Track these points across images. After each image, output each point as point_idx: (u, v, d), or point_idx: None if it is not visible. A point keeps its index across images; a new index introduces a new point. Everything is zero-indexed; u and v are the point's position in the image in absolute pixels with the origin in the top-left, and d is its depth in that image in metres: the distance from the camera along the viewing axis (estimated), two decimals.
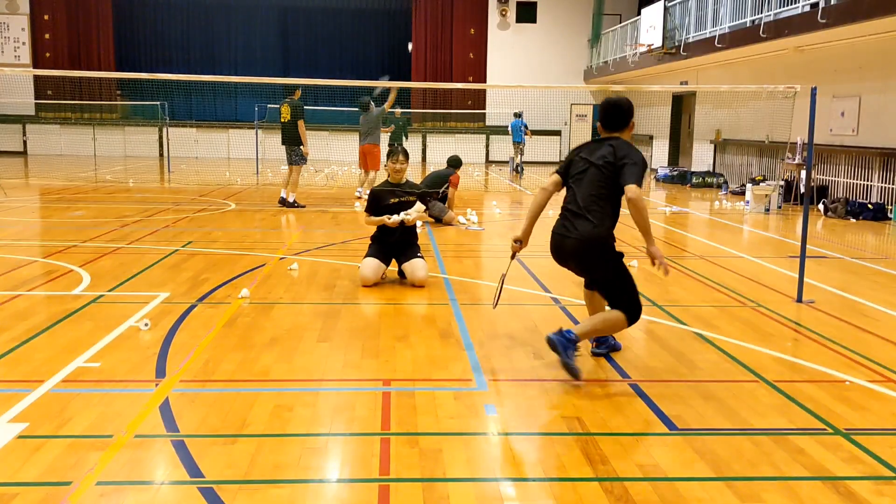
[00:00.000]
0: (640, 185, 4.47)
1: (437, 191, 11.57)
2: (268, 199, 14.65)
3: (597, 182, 4.64)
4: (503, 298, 5.55)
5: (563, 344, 4.48)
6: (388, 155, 7.47)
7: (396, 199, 7.26)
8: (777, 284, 7.55)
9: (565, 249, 4.75)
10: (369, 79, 25.63)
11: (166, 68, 27.36)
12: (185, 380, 4.52)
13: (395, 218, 7.11)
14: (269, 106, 23.71)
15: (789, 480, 3.39)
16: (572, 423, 3.97)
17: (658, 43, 20.06)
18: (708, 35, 17.69)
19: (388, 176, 7.48)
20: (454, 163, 12.33)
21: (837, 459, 3.60)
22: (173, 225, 10.82)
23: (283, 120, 13.10)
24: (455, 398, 4.28)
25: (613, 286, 4.77)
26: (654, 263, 4.54)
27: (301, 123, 12.88)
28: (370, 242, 7.35)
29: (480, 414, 4.07)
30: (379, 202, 7.25)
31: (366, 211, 7.31)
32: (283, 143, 13.21)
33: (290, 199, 13.02)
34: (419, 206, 7.32)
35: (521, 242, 5.02)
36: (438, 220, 11.32)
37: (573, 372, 4.48)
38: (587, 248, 4.67)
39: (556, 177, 4.90)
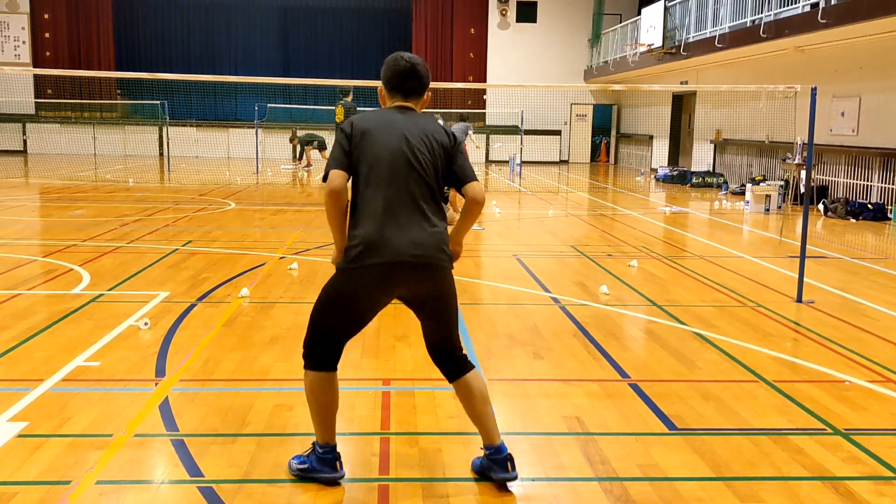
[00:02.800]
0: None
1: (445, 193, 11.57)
2: (268, 198, 14.65)
3: None
4: (503, 298, 5.55)
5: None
6: None
7: None
8: (777, 284, 7.55)
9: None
10: (370, 78, 25.69)
11: (166, 67, 27.34)
12: (185, 379, 4.52)
13: None
14: (269, 105, 23.70)
15: (789, 480, 3.39)
16: (572, 422, 3.97)
17: (658, 43, 20.05)
18: (708, 35, 17.68)
19: None
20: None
21: (837, 459, 3.60)
22: (173, 224, 10.81)
23: (337, 121, 13.49)
24: (454, 398, 4.26)
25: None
26: None
27: None
28: None
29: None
30: None
31: None
32: None
33: None
34: None
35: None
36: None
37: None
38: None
39: None
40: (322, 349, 3.25)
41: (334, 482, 3.24)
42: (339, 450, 3.28)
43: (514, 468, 3.25)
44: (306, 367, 3.27)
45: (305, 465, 3.28)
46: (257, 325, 5.70)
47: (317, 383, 3.24)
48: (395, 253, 3.10)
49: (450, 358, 3.39)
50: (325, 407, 3.27)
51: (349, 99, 13.37)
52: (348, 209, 3.22)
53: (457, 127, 13.97)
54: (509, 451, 3.28)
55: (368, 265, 3.11)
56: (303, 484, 3.25)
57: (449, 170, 3.30)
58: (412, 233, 3.14)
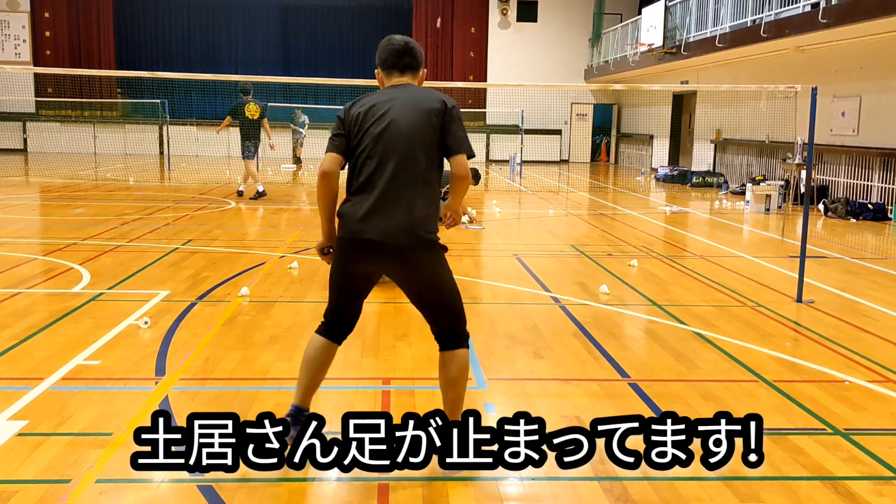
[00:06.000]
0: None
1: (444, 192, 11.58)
2: (268, 197, 14.64)
3: None
4: (503, 297, 5.55)
5: None
6: None
7: None
8: (777, 284, 7.55)
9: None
10: (370, 77, 25.67)
11: (166, 66, 27.32)
12: (185, 378, 4.52)
13: None
14: (269, 104, 23.68)
15: (788, 480, 3.39)
16: (571, 422, 3.96)
17: (659, 42, 20.05)
18: (709, 35, 17.68)
19: None
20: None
21: (837, 459, 3.60)
22: (173, 223, 10.81)
23: (254, 117, 14.05)
24: None
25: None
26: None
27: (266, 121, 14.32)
28: None
29: (480, 413, 4.06)
30: None
31: None
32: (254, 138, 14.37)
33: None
34: None
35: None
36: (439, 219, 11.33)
37: None
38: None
39: None
40: (329, 316, 3.52)
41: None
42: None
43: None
44: (316, 330, 3.55)
45: None
46: (257, 324, 5.70)
47: (312, 345, 3.52)
48: (360, 230, 3.26)
49: (450, 333, 3.48)
50: (310, 372, 3.52)
51: (249, 97, 14.08)
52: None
53: None
54: None
55: (341, 236, 3.33)
56: (302, 483, 3.25)
57: (442, 139, 3.33)
58: (388, 213, 3.24)
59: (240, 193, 14.50)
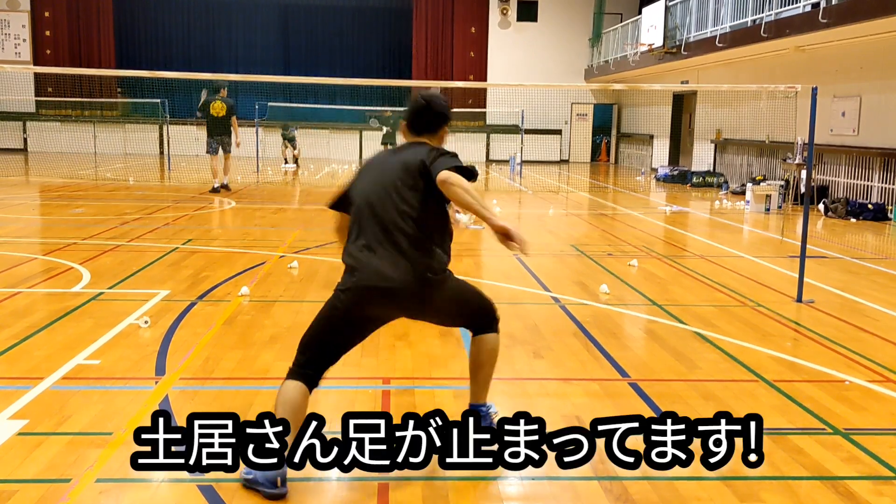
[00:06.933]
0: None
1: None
2: (268, 196, 14.65)
3: None
4: (503, 297, 5.55)
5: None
6: None
7: None
8: (777, 284, 7.55)
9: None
10: (370, 77, 25.69)
11: (167, 66, 27.32)
12: (185, 378, 4.52)
13: None
14: (269, 104, 23.69)
15: (789, 480, 3.39)
16: (571, 422, 3.96)
17: (659, 42, 20.04)
18: (709, 34, 17.68)
19: None
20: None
21: (837, 459, 3.60)
22: (173, 223, 10.81)
23: (220, 115, 14.65)
24: (455, 397, 4.28)
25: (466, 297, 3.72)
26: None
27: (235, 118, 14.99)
28: None
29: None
30: None
31: None
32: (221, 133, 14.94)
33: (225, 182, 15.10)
34: None
35: None
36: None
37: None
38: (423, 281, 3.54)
39: None
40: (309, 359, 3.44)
41: (276, 497, 3.14)
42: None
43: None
44: (288, 376, 3.40)
45: (251, 476, 3.16)
46: (257, 323, 5.70)
47: (287, 391, 3.31)
48: (365, 278, 3.30)
49: (484, 321, 3.62)
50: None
51: (224, 93, 14.81)
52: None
53: None
54: (492, 418, 3.56)
55: (343, 289, 3.37)
56: (302, 483, 3.25)
57: (427, 183, 3.31)
58: (383, 264, 3.27)
59: (227, 189, 15.09)
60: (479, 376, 3.63)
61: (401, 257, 3.26)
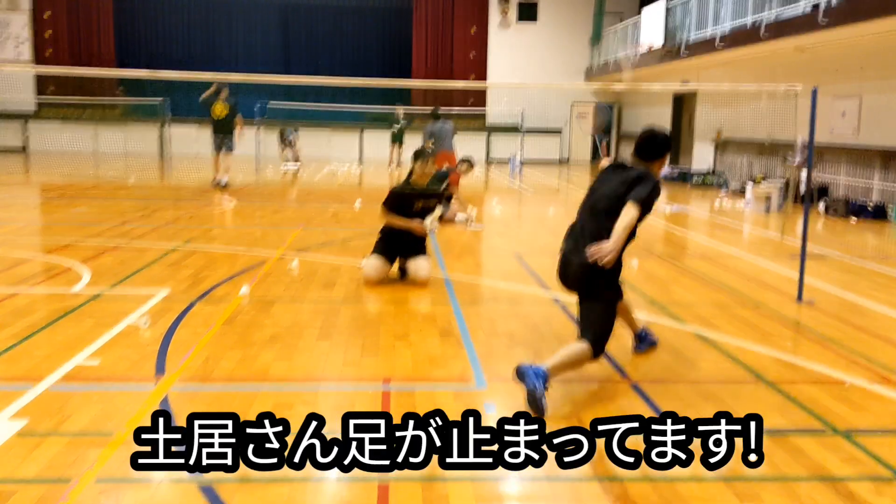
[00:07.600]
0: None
1: (444, 191, 11.60)
2: (268, 196, 14.65)
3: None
4: (503, 297, 5.54)
5: (532, 377, 4.10)
6: (417, 157, 7.46)
7: (422, 204, 7.26)
8: (777, 284, 7.55)
9: (569, 272, 4.72)
10: (370, 76, 25.66)
11: (167, 66, 27.29)
12: (185, 377, 4.52)
13: (427, 225, 7.15)
14: (269, 103, 23.71)
15: (788, 480, 3.39)
16: (571, 422, 3.96)
17: (659, 42, 20.04)
18: (709, 35, 17.68)
19: (413, 177, 7.55)
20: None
21: (837, 460, 3.60)
22: (173, 222, 10.81)
23: (219, 117, 15.37)
24: (455, 397, 4.28)
25: (596, 314, 4.44)
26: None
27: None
28: (380, 236, 7.35)
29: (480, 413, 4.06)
30: (403, 204, 7.23)
31: (385, 206, 7.26)
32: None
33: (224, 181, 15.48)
34: (438, 210, 7.35)
35: None
36: (440, 218, 11.35)
37: (539, 406, 4.02)
38: (589, 271, 4.45)
39: None
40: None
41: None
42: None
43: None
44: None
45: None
46: (257, 323, 5.70)
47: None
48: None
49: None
50: None
51: (226, 94, 15.43)
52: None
53: (440, 127, 13.79)
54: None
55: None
56: (303, 483, 3.25)
57: None
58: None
59: (223, 185, 15.40)
60: (558, 362, 4.24)
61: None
